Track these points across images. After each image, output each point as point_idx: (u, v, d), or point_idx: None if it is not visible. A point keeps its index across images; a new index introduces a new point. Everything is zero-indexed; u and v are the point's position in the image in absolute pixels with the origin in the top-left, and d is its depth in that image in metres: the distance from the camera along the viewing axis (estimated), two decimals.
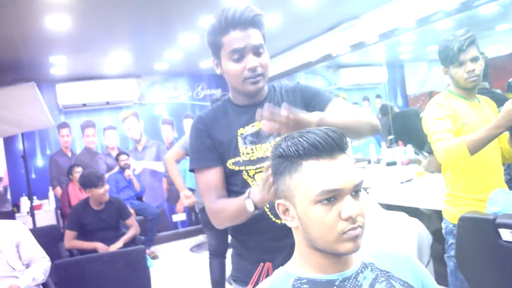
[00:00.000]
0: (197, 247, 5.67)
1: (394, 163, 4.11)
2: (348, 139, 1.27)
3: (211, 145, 1.39)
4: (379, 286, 0.93)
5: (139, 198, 5.62)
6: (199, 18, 3.72)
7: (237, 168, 1.37)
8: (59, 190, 5.59)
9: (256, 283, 1.24)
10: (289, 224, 0.95)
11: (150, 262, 2.89)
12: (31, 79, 4.26)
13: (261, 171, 1.35)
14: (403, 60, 7.35)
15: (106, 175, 5.65)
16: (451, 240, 1.89)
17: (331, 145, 0.88)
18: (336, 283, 0.91)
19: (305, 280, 0.92)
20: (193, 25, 3.89)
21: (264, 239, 1.36)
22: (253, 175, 1.37)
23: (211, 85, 6.64)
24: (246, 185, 1.35)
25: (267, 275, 1.08)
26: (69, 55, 4.53)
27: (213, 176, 1.37)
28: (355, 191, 0.89)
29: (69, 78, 5.56)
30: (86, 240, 3.42)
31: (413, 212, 2.94)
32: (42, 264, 2.45)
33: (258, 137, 1.37)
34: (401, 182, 3.53)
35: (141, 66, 5.62)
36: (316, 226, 0.88)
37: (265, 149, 1.36)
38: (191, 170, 1.43)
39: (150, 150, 6.24)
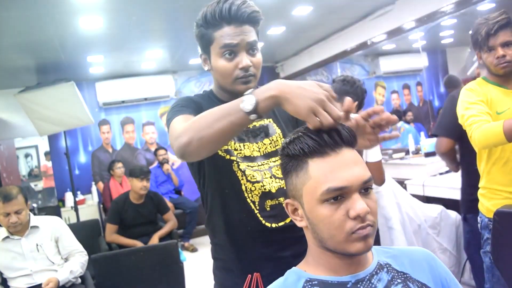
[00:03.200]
0: None
1: (433, 154, 3.97)
2: (267, 147, 1.26)
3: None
4: None
5: (177, 192, 5.73)
6: None
7: (228, 157, 1.25)
8: (101, 185, 5.79)
9: None
10: (298, 224, 0.92)
11: (183, 256, 2.95)
12: (71, 79, 4.42)
13: (251, 168, 1.26)
14: (445, 45, 7.06)
15: None
16: (486, 235, 1.80)
17: (335, 139, 0.85)
18: (348, 285, 0.87)
19: (316, 282, 0.89)
20: None
21: (252, 244, 1.26)
22: (244, 169, 1.25)
23: None
24: (234, 181, 1.24)
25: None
26: (105, 54, 4.65)
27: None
28: (365, 189, 0.85)
29: (108, 76, 5.73)
30: (124, 234, 3.53)
31: (453, 204, 2.83)
32: (79, 258, 2.55)
33: (247, 135, 1.30)
34: (440, 173, 3.41)
35: (177, 62, 5.70)
36: (324, 226, 0.84)
37: (253, 149, 1.28)
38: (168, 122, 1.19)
39: None
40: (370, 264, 0.91)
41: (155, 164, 5.69)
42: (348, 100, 0.96)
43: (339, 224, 0.83)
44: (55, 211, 5.05)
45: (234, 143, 1.27)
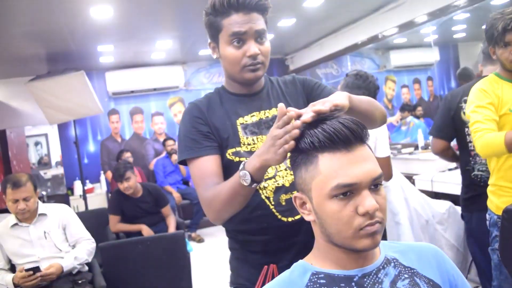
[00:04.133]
0: None
1: None
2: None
3: (208, 132, 1.25)
4: (401, 283, 0.88)
5: (185, 182, 5.76)
6: None
7: (237, 159, 1.25)
8: (109, 174, 5.83)
9: None
10: (306, 218, 0.92)
11: (189, 246, 2.96)
12: (82, 68, 4.45)
13: None
14: (457, 40, 6.97)
15: (154, 160, 5.83)
16: (495, 233, 1.78)
17: (347, 136, 0.83)
18: (355, 279, 0.87)
19: (322, 275, 0.89)
20: None
21: (269, 239, 1.26)
22: None
23: None
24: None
25: (273, 278, 1.03)
26: (116, 44, 4.66)
27: (210, 164, 1.21)
28: (374, 185, 0.84)
29: (117, 66, 5.75)
30: None
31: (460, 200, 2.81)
32: (86, 245, 2.57)
33: (259, 128, 1.28)
34: (449, 169, 3.38)
35: (186, 53, 5.70)
36: (332, 221, 0.84)
37: None
38: (181, 162, 1.26)
39: None
40: (377, 259, 0.91)
41: (164, 154, 5.72)
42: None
43: (348, 220, 0.82)
44: (64, 199, 5.11)
45: (247, 138, 1.27)
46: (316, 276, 0.89)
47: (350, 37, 5.11)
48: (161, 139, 6.03)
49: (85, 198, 4.67)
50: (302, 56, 6.42)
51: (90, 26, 3.78)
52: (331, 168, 0.83)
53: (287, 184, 1.26)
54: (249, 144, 1.27)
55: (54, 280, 2.36)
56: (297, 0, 3.85)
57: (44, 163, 7.16)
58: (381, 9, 4.40)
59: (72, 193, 5.62)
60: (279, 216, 1.25)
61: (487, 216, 1.86)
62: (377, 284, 0.87)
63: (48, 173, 6.78)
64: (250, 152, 1.25)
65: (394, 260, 0.92)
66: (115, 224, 3.52)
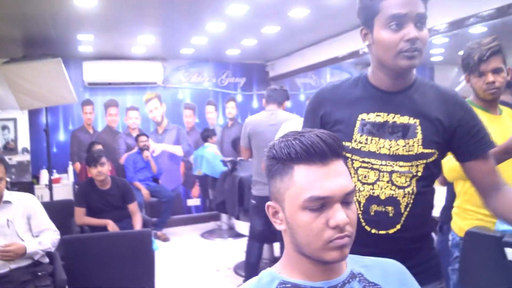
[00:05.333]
0: (209, 233, 5.72)
1: None
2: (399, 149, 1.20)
3: (322, 124, 1.28)
4: None
5: (155, 180, 5.69)
6: (226, 6, 3.70)
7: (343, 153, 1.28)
8: (78, 165, 5.71)
9: None
10: (277, 227, 0.93)
11: (155, 245, 2.93)
12: (59, 55, 4.34)
13: (366, 167, 1.23)
14: (434, 63, 7.18)
15: (125, 155, 5.75)
16: (456, 253, 1.84)
17: (324, 150, 0.85)
18: None
19: (289, 285, 0.90)
20: (220, 13, 3.88)
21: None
22: (357, 167, 1.24)
23: (236, 74, 6.63)
24: None
25: None
26: (96, 34, 4.58)
27: None
28: (346, 200, 0.86)
29: (96, 56, 5.64)
30: None
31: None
32: (51, 235, 2.51)
33: (379, 130, 1.22)
34: None
35: (168, 50, 5.65)
36: (303, 232, 0.86)
37: (382, 145, 1.21)
38: None
39: (170, 134, 6.29)
40: (343, 272, 0.93)
41: (135, 149, 5.64)
42: None
43: (318, 232, 0.84)
44: (29, 188, 4.97)
45: (360, 136, 1.23)
46: (284, 285, 0.91)
47: (331, 50, 5.18)
48: (134, 134, 5.94)
49: (50, 188, 4.55)
50: (282, 64, 6.47)
51: (72, 13, 3.70)
52: (305, 180, 0.85)
53: (382, 197, 1.23)
54: (360, 142, 1.24)
55: (14, 269, 2.29)
56: (283, 9, 3.88)
57: (10, 148, 6.94)
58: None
59: (38, 182, 5.46)
60: (363, 224, 1.23)
61: (450, 236, 1.92)
62: None
63: (13, 159, 6.56)
64: (359, 151, 1.23)
65: (360, 275, 0.95)
66: (81, 216, 3.45)
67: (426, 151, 1.21)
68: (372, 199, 1.23)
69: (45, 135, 4.55)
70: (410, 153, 1.21)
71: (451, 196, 2.26)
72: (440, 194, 2.24)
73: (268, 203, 0.94)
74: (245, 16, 3.97)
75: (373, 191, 1.23)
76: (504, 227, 1.60)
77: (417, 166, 1.21)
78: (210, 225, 6.13)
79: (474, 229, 1.68)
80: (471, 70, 1.80)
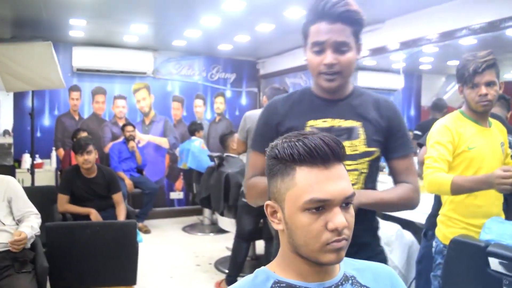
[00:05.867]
0: (190, 227, 5.71)
1: None
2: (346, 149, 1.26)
3: (275, 133, 1.38)
4: None
5: (139, 171, 5.65)
6: (223, 1, 3.68)
7: None
8: (62, 151, 5.63)
9: None
10: (275, 227, 0.94)
11: (140, 237, 2.91)
12: (49, 39, 4.26)
13: None
14: (422, 71, 7.26)
15: (110, 144, 5.69)
16: (439, 260, 1.88)
17: (327, 153, 0.86)
18: None
19: (284, 284, 0.91)
20: (216, 7, 3.86)
21: None
22: None
23: (227, 69, 6.61)
24: None
25: None
26: (89, 20, 4.51)
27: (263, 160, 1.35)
28: (346, 203, 0.88)
29: (87, 42, 5.56)
30: None
31: (408, 225, 2.93)
32: (35, 219, 2.47)
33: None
34: None
35: (160, 40, 5.60)
36: (301, 233, 0.87)
37: None
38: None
39: (157, 125, 6.25)
40: (336, 275, 0.94)
41: (121, 139, 5.58)
42: None
43: (316, 234, 0.85)
44: (10, 171, 4.86)
45: None
46: (278, 284, 0.91)
47: None
48: (121, 123, 5.89)
49: (32, 173, 4.47)
50: (273, 62, 6.48)
51: None
52: (307, 182, 0.86)
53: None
54: None
55: None
56: (280, 8, 3.88)
57: None
58: None
59: (19, 166, 5.36)
60: None
61: (434, 243, 1.96)
62: None
63: None
64: None
65: (352, 278, 0.96)
66: (64, 204, 3.39)
67: (369, 149, 1.35)
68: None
69: (29, 119, 4.46)
70: (356, 152, 1.34)
71: (437, 204, 2.31)
72: (426, 201, 2.29)
73: (267, 202, 0.94)
74: (241, 12, 3.96)
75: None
76: (488, 236, 1.64)
77: (362, 164, 1.35)
78: (192, 219, 6.11)
79: (459, 237, 1.72)
80: (465, 81, 1.84)
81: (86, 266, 2.54)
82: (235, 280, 3.50)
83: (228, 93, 6.68)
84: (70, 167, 3.57)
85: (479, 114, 1.88)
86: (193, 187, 5.59)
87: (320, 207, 0.85)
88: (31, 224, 2.39)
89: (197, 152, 5.37)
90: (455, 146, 1.81)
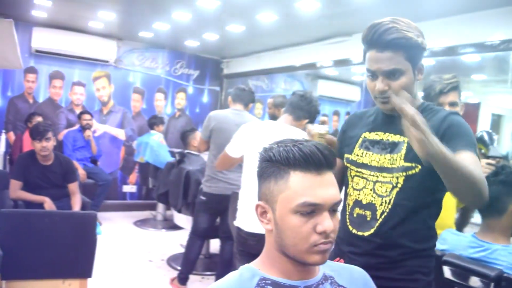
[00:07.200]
0: (142, 222, 5.62)
1: None
2: (385, 162, 1.39)
3: (341, 140, 1.57)
4: None
5: (94, 161, 5.49)
6: None
7: (345, 163, 1.49)
8: (12, 135, 5.36)
9: None
10: (263, 226, 0.99)
11: (99, 229, 2.85)
12: (9, 16, 4.07)
13: (359, 176, 1.44)
14: None
15: (65, 131, 5.50)
16: None
17: (320, 160, 0.92)
18: None
19: (269, 281, 0.96)
20: (190, 2, 3.83)
21: (336, 242, 1.45)
22: (353, 176, 1.46)
23: (191, 65, 6.57)
24: (346, 184, 1.50)
25: None
26: (54, 1, 4.35)
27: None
28: (333, 209, 0.94)
29: (49, 23, 5.33)
30: None
31: None
32: None
33: (374, 146, 1.43)
34: None
35: (126, 30, 5.48)
36: (291, 234, 0.92)
37: (373, 158, 1.41)
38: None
39: (115, 116, 6.10)
40: (317, 274, 1.01)
41: (76, 127, 5.41)
42: None
43: (305, 236, 0.91)
44: None
45: (359, 149, 1.47)
46: (264, 281, 0.96)
47: (288, 58, 5.31)
48: (77, 110, 5.70)
49: None
50: (238, 63, 6.52)
51: None
52: (300, 186, 0.91)
53: (364, 202, 1.42)
54: (357, 155, 1.46)
55: None
56: (253, 11, 3.93)
57: None
58: (324, 41, 4.64)
59: None
60: (348, 223, 1.45)
61: None
62: None
63: None
64: (355, 162, 1.46)
65: (331, 278, 1.03)
66: (16, 190, 3.26)
67: (406, 164, 1.34)
68: (357, 203, 1.44)
69: None
70: (393, 166, 1.37)
71: None
72: None
73: (258, 202, 0.99)
74: (214, 10, 3.97)
75: (359, 196, 1.43)
76: (444, 246, 1.76)
77: (397, 178, 1.36)
78: (145, 214, 6.02)
79: None
80: (431, 100, 1.97)
81: (42, 255, 2.45)
82: (187, 278, 3.50)
83: (190, 90, 6.64)
84: (25, 153, 3.43)
85: None
86: (149, 181, 5.52)
87: (311, 210, 0.91)
88: None
89: (155, 147, 5.30)
90: None
